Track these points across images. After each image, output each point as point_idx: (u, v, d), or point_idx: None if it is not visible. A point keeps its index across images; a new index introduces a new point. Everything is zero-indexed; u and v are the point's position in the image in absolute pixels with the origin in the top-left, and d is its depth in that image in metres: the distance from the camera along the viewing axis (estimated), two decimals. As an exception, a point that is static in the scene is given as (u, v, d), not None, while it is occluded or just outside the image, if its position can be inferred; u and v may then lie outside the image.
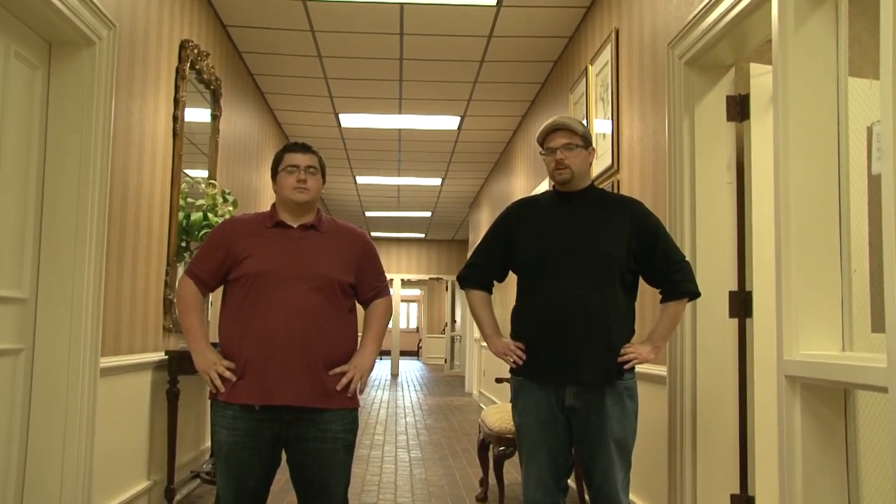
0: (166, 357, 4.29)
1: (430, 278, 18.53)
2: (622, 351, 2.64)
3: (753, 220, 3.20)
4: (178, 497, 4.39)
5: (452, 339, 18.82)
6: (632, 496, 3.29)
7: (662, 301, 2.75)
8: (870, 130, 2.56)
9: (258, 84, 7.00)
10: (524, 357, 2.70)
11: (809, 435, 2.29)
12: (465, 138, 8.78)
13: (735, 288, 3.26)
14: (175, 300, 4.29)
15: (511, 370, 2.78)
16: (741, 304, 3.24)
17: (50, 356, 3.19)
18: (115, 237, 3.60)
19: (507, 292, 5.25)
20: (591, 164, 2.84)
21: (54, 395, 3.19)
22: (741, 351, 3.25)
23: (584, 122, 4.78)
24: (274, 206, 2.69)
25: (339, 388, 2.53)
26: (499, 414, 4.47)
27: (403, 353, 23.78)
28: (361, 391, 2.61)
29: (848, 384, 2.16)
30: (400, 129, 8.45)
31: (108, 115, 3.39)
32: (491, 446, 4.54)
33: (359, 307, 2.73)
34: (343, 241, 2.68)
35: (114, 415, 3.64)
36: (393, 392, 13.01)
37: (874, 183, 2.45)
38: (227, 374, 2.50)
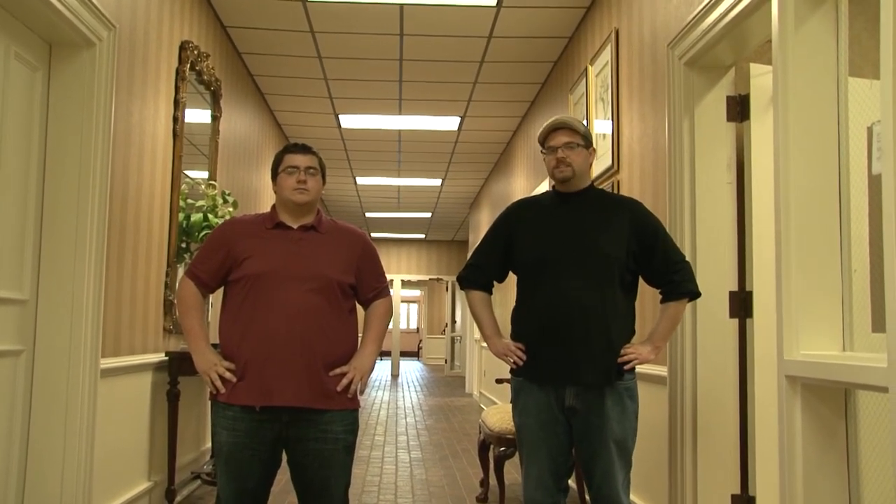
0: (167, 358, 4.29)
1: (431, 279, 18.53)
2: (622, 351, 2.64)
3: (753, 221, 3.20)
4: (178, 498, 4.39)
5: (453, 339, 18.82)
6: (632, 496, 3.29)
7: (662, 301, 2.75)
8: (870, 130, 2.56)
9: (258, 85, 7.00)
10: (524, 358, 2.70)
11: (810, 435, 2.29)
12: (465, 139, 8.78)
13: (735, 288, 3.26)
14: (175, 301, 4.29)
15: (511, 371, 2.78)
16: (741, 304, 3.24)
17: (50, 357, 3.19)
18: (115, 238, 3.60)
19: (507, 293, 5.25)
20: (591, 164, 2.84)
21: (55, 396, 3.19)
22: (741, 351, 3.25)
23: (585, 122, 4.78)
24: (274, 207, 2.69)
25: (339, 388, 2.53)
26: (499, 414, 4.47)
27: (404, 354, 23.78)
28: (362, 392, 2.61)
29: (848, 384, 2.16)
30: (400, 130, 8.45)
31: (108, 117, 3.39)
32: (491, 447, 4.54)
33: (359, 308, 2.73)
34: (343, 241, 2.68)
35: (114, 416, 3.64)
36: (393, 393, 13.00)
37: (874, 183, 2.45)
38: (228, 374, 2.49)
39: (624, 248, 2.67)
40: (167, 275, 4.38)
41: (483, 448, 4.77)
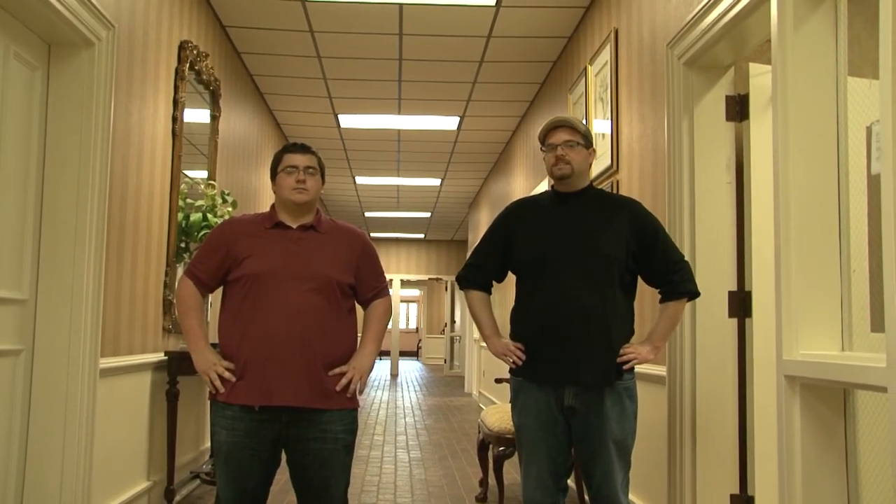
0: (166, 358, 4.28)
1: (430, 279, 18.53)
2: (621, 351, 2.63)
3: (753, 220, 3.20)
4: (177, 497, 4.39)
5: (452, 339, 18.82)
6: (631, 496, 3.29)
7: (662, 301, 2.75)
8: (869, 130, 2.56)
9: (257, 84, 7.00)
10: (523, 357, 2.69)
11: (809, 435, 2.29)
12: (464, 139, 8.78)
13: (734, 288, 3.26)
14: (174, 301, 4.29)
15: (510, 370, 2.78)
16: (740, 303, 3.24)
17: (49, 357, 3.19)
18: (114, 238, 3.60)
19: (506, 292, 5.25)
20: (590, 165, 2.84)
21: (54, 395, 3.19)
22: (741, 351, 3.25)
23: (584, 122, 4.78)
24: (273, 206, 2.68)
25: (338, 388, 2.53)
26: (498, 414, 4.47)
27: (403, 354, 23.78)
28: (361, 391, 2.61)
29: (847, 384, 2.16)
30: (399, 130, 8.45)
31: (108, 116, 3.39)
32: (490, 446, 4.54)
33: (358, 308, 2.73)
34: (342, 241, 2.68)
35: (113, 415, 3.64)
36: (392, 392, 13.00)
37: (874, 183, 2.45)
38: (227, 374, 2.49)
39: (623, 248, 2.66)
40: (166, 274, 4.38)
41: (482, 448, 4.77)
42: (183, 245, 4.61)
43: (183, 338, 3.28)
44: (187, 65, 4.59)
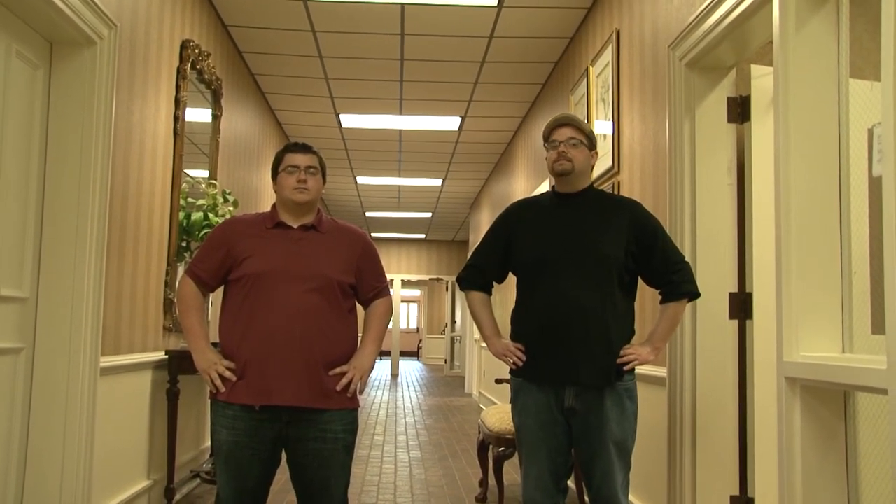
0: (166, 357, 4.29)
1: (431, 279, 18.54)
2: (622, 352, 2.63)
3: (754, 222, 3.20)
4: (177, 497, 4.39)
5: (452, 339, 18.82)
6: (631, 497, 3.29)
7: (662, 302, 2.75)
8: (871, 132, 2.56)
9: (259, 84, 7.00)
10: (524, 358, 2.69)
11: (809, 437, 2.29)
12: (465, 139, 8.78)
13: (735, 289, 3.26)
14: (175, 300, 4.29)
15: (511, 371, 2.78)
16: (741, 305, 3.24)
17: (50, 355, 3.20)
18: (115, 237, 3.60)
19: (506, 293, 5.25)
20: (592, 166, 2.84)
21: (54, 394, 3.19)
22: (741, 352, 3.25)
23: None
24: (274, 206, 2.69)
25: (338, 388, 2.53)
26: (498, 415, 4.47)
27: (403, 354, 23.79)
28: (361, 391, 2.61)
29: (848, 386, 2.16)
30: (400, 130, 8.45)
31: (109, 115, 3.39)
32: (490, 447, 4.54)
33: (359, 307, 2.73)
34: (343, 241, 2.68)
35: (114, 414, 3.64)
36: (393, 392, 13.00)
37: (875, 185, 2.45)
38: (227, 373, 2.50)
39: (623, 249, 2.66)
40: (167, 273, 4.39)
41: (482, 448, 4.77)
42: (184, 244, 4.61)
43: (183, 337, 3.28)
44: (189, 64, 4.59)
